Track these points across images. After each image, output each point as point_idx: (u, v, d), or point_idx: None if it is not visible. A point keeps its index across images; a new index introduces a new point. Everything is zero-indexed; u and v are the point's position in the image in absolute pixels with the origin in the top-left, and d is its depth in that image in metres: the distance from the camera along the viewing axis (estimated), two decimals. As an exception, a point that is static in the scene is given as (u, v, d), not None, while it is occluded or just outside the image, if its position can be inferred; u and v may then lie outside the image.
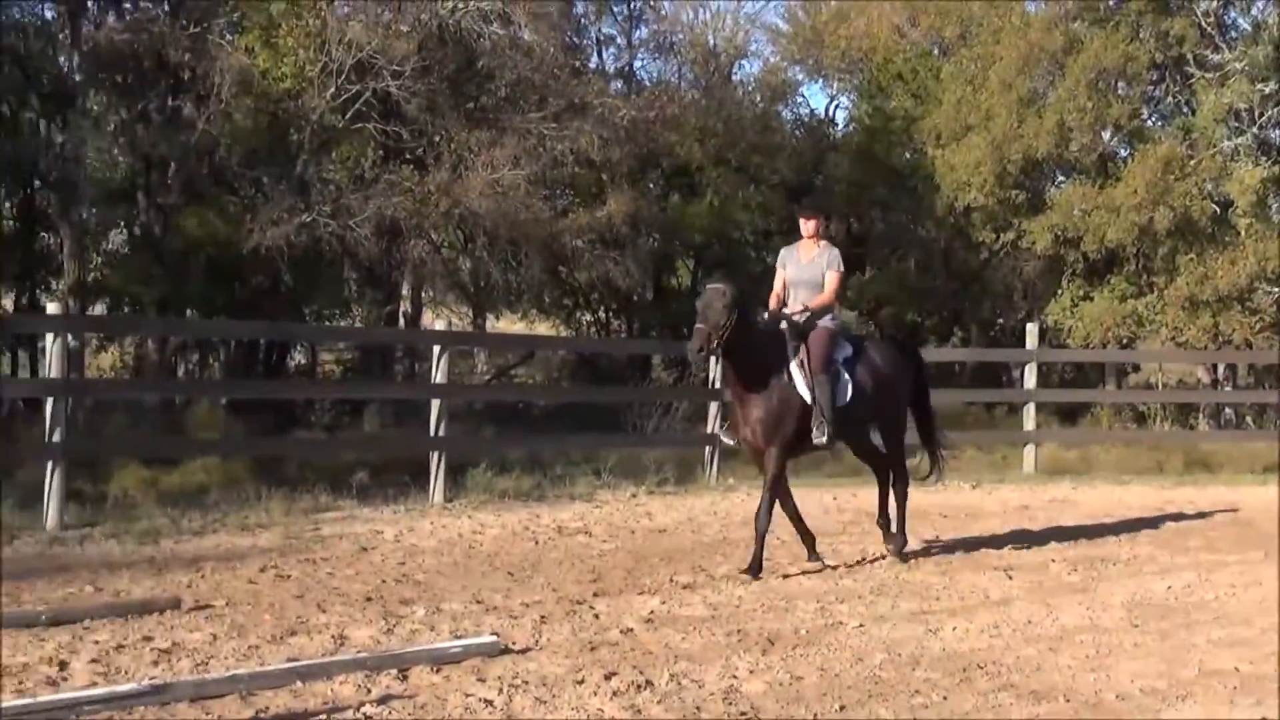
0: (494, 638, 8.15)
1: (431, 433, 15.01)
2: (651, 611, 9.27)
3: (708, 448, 16.79)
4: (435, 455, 14.66)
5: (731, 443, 11.58)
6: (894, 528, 11.79)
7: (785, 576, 10.72)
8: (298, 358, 23.69)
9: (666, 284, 26.11)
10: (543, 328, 26.77)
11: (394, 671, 7.43)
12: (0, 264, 19.34)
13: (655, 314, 24.89)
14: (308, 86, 18.20)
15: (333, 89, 18.21)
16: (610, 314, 26.18)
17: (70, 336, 14.21)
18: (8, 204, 20.67)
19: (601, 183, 22.42)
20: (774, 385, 10.79)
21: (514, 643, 8.20)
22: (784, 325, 11.03)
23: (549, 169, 20.07)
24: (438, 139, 19.43)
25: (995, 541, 12.61)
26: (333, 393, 21.13)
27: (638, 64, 26.65)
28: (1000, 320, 27.39)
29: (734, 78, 27.44)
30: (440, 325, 16.58)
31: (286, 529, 12.31)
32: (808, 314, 11.08)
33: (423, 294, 24.45)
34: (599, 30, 25.53)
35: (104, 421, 17.07)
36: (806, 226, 11.36)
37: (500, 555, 11.55)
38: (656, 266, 25.27)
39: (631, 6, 25.66)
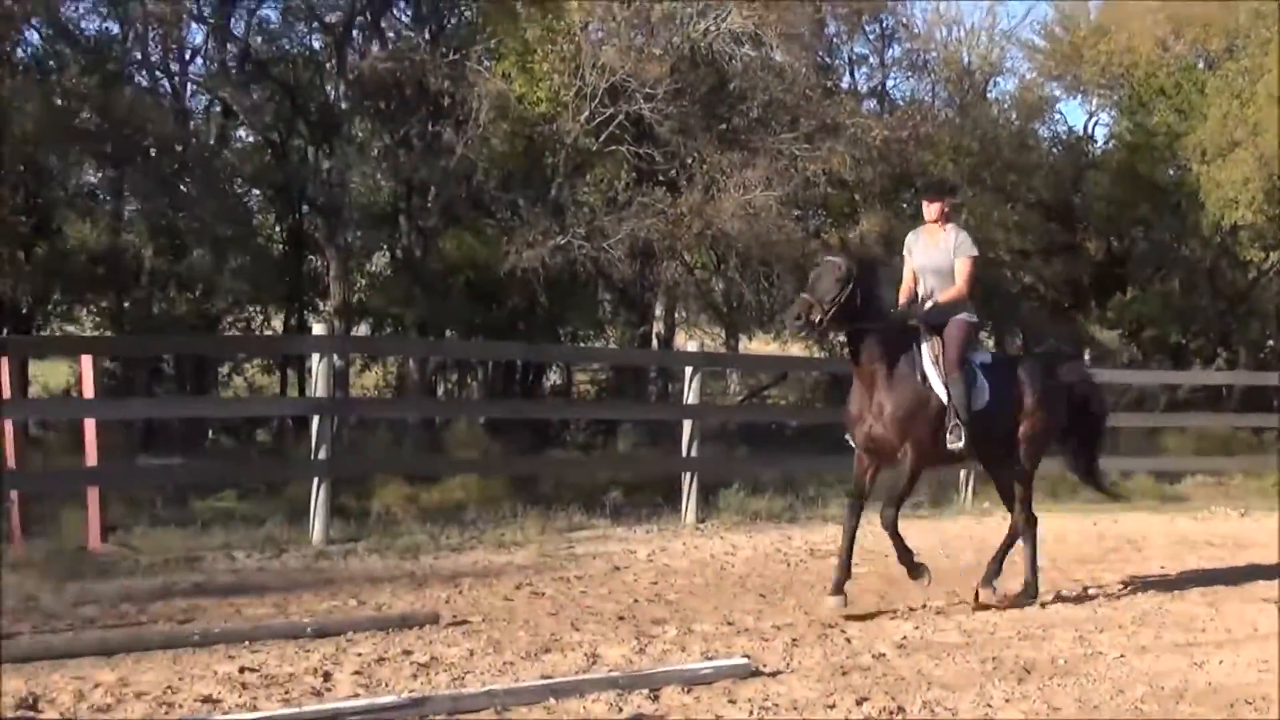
0: (745, 660, 8.14)
1: (684, 453, 15.03)
2: (904, 636, 9.16)
3: (962, 470, 16.50)
4: (687, 475, 14.69)
5: (853, 443, 10.31)
6: (1025, 574, 10.70)
7: (1042, 605, 10.47)
8: (553, 378, 24.03)
9: (922, 304, 25.74)
10: (795, 349, 26.65)
11: (645, 691, 7.45)
12: (271, 286, 20.09)
13: (909, 334, 24.55)
14: (562, 110, 18.50)
15: (587, 112, 18.47)
16: (864, 334, 25.88)
17: (336, 356, 14.66)
18: (278, 228, 21.52)
19: (854, 203, 22.24)
20: (907, 379, 9.94)
21: (765, 665, 8.16)
22: (916, 320, 10.19)
23: (801, 190, 19.96)
24: (690, 161, 19.52)
25: (1265, 572, 12.08)
26: (587, 413, 21.43)
27: (890, 83, 26.38)
28: (1270, 342, 26.40)
29: (989, 95, 26.99)
30: (693, 346, 16.63)
31: (541, 547, 12.48)
32: (935, 307, 10.22)
33: (676, 315, 24.60)
34: (851, 50, 25.36)
35: (367, 439, 17.58)
36: (930, 210, 10.52)
37: (752, 577, 11.53)
38: (911, 287, 24.95)
39: (884, 26, 25.42)
